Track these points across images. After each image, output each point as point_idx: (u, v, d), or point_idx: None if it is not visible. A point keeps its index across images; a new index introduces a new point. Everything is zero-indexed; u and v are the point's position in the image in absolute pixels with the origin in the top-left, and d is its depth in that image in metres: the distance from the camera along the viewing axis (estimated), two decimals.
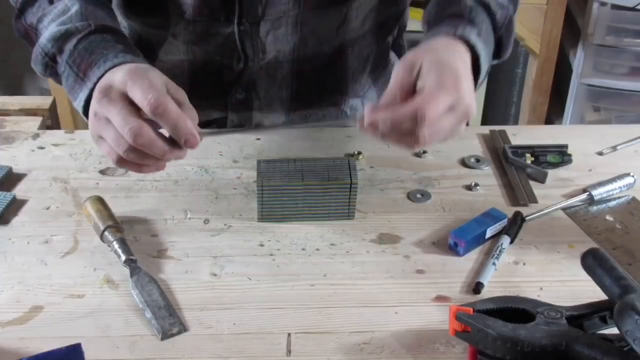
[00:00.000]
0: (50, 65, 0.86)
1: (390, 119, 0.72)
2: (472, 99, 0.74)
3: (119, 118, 0.72)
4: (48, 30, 0.86)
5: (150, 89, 0.71)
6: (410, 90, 0.75)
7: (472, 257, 0.81)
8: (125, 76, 0.73)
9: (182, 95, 0.76)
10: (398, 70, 0.76)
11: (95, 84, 0.77)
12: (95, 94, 0.75)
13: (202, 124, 1.07)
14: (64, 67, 0.84)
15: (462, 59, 0.77)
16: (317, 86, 1.05)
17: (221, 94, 1.03)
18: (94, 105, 0.75)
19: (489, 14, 0.86)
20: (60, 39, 0.84)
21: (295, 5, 0.95)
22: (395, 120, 0.72)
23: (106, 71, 0.78)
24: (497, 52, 0.90)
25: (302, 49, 1.00)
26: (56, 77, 0.87)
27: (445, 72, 0.73)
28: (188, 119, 0.73)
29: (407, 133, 0.72)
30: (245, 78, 1.02)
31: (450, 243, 0.82)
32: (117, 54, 0.80)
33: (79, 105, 0.82)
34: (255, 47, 0.98)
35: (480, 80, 0.83)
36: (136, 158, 0.73)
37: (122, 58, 0.79)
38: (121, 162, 0.75)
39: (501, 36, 0.89)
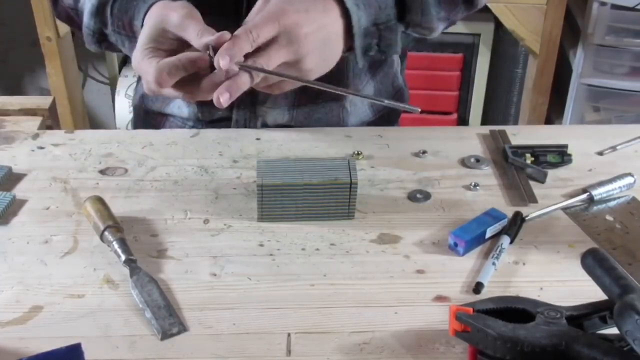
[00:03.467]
0: (102, 40, 0.91)
1: (228, 47, 0.77)
2: (300, 30, 0.79)
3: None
4: (86, 8, 0.91)
5: (149, 75, 0.78)
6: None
7: (472, 257, 0.81)
8: (136, 66, 0.81)
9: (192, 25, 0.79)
10: (256, 5, 0.83)
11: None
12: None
13: (207, 123, 1.07)
14: (115, 37, 0.89)
15: (313, 2, 0.81)
16: (321, 81, 1.05)
17: None
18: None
19: None
20: (98, 13, 0.89)
21: None
22: (228, 44, 0.77)
23: (143, 19, 0.83)
24: (402, 15, 0.90)
25: None
26: (113, 48, 0.92)
27: (274, 7, 0.80)
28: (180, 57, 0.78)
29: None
30: None
31: (450, 243, 0.82)
32: None
33: None
34: None
35: (357, 27, 0.85)
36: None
37: (150, 1, 0.84)
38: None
39: None
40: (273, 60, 0.79)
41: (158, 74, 0.77)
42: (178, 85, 0.79)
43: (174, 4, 0.82)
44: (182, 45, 0.80)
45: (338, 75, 1.06)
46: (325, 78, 1.06)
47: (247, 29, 0.77)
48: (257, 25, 0.78)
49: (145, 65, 0.79)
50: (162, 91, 0.80)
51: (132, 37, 0.86)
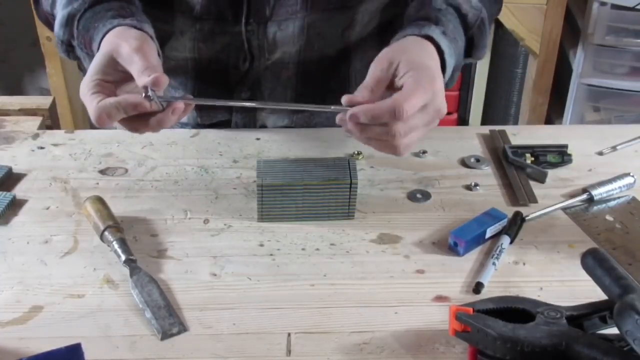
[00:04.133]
0: (70, 51, 0.91)
1: (371, 111, 0.75)
2: (444, 98, 0.79)
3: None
4: (58, 17, 0.90)
5: (91, 107, 0.77)
6: (386, 86, 0.79)
7: (472, 257, 0.81)
8: (83, 98, 0.79)
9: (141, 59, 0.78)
10: (376, 66, 0.79)
11: None
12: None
13: (206, 126, 1.07)
14: (79, 52, 0.89)
15: (433, 58, 0.82)
16: (321, 88, 1.05)
17: (226, 94, 1.03)
18: None
19: (459, 15, 0.90)
20: (67, 24, 0.88)
21: (303, 8, 0.95)
22: (375, 113, 0.75)
23: (101, 40, 0.82)
24: (469, 51, 0.93)
25: (308, 51, 1.00)
26: (80, 61, 0.92)
27: (421, 72, 0.77)
28: (124, 97, 0.77)
29: (383, 131, 0.76)
30: (250, 78, 1.02)
31: (450, 243, 0.82)
32: (105, 22, 0.84)
33: None
34: (261, 47, 0.98)
35: (447, 76, 0.86)
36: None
37: (110, 25, 0.83)
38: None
39: (472, 36, 0.92)
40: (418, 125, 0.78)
41: (97, 115, 0.76)
42: (122, 121, 0.79)
43: (129, 33, 0.81)
44: (130, 76, 0.79)
45: (342, 82, 1.06)
46: (331, 85, 1.06)
47: (401, 108, 0.73)
48: (411, 105, 0.74)
49: (88, 100, 0.78)
50: (105, 126, 0.79)
51: (92, 55, 0.84)
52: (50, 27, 0.96)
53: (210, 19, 0.97)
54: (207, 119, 1.06)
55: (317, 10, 0.96)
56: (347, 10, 0.98)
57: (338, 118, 0.77)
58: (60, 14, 0.89)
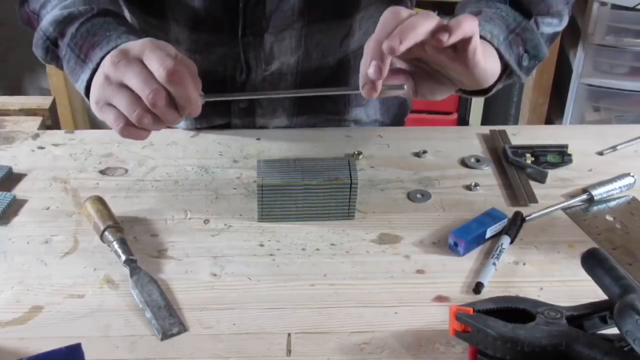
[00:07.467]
0: (52, 50, 0.87)
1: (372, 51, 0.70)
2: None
3: (139, 80, 0.72)
4: (51, 14, 0.87)
5: (167, 57, 0.72)
6: None
7: (472, 257, 0.81)
8: (143, 43, 0.74)
9: (193, 66, 0.76)
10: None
11: (98, 65, 0.78)
12: (111, 58, 0.75)
13: (205, 129, 1.07)
14: (65, 50, 0.84)
15: None
16: (320, 97, 1.04)
17: (223, 102, 1.03)
18: (107, 70, 0.75)
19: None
20: (62, 23, 0.85)
21: (300, 18, 0.95)
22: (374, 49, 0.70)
23: (109, 51, 0.78)
24: (527, 13, 0.86)
25: (306, 61, 0.99)
26: (57, 61, 0.88)
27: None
28: (197, 91, 0.75)
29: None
30: (248, 89, 1.01)
31: (450, 243, 0.82)
32: (120, 35, 0.80)
33: (80, 86, 0.82)
34: (258, 58, 0.98)
35: (497, 43, 0.79)
36: (145, 124, 0.74)
37: (126, 39, 0.79)
38: (126, 130, 0.75)
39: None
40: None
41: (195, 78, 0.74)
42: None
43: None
44: None
45: (342, 98, 1.06)
46: (331, 101, 1.05)
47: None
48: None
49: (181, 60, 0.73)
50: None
51: (82, 60, 0.81)
52: (31, 26, 0.93)
53: (206, 30, 0.96)
54: (206, 123, 1.06)
55: (314, 20, 0.95)
56: (345, 19, 0.97)
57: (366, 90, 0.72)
58: (56, 11, 0.87)
